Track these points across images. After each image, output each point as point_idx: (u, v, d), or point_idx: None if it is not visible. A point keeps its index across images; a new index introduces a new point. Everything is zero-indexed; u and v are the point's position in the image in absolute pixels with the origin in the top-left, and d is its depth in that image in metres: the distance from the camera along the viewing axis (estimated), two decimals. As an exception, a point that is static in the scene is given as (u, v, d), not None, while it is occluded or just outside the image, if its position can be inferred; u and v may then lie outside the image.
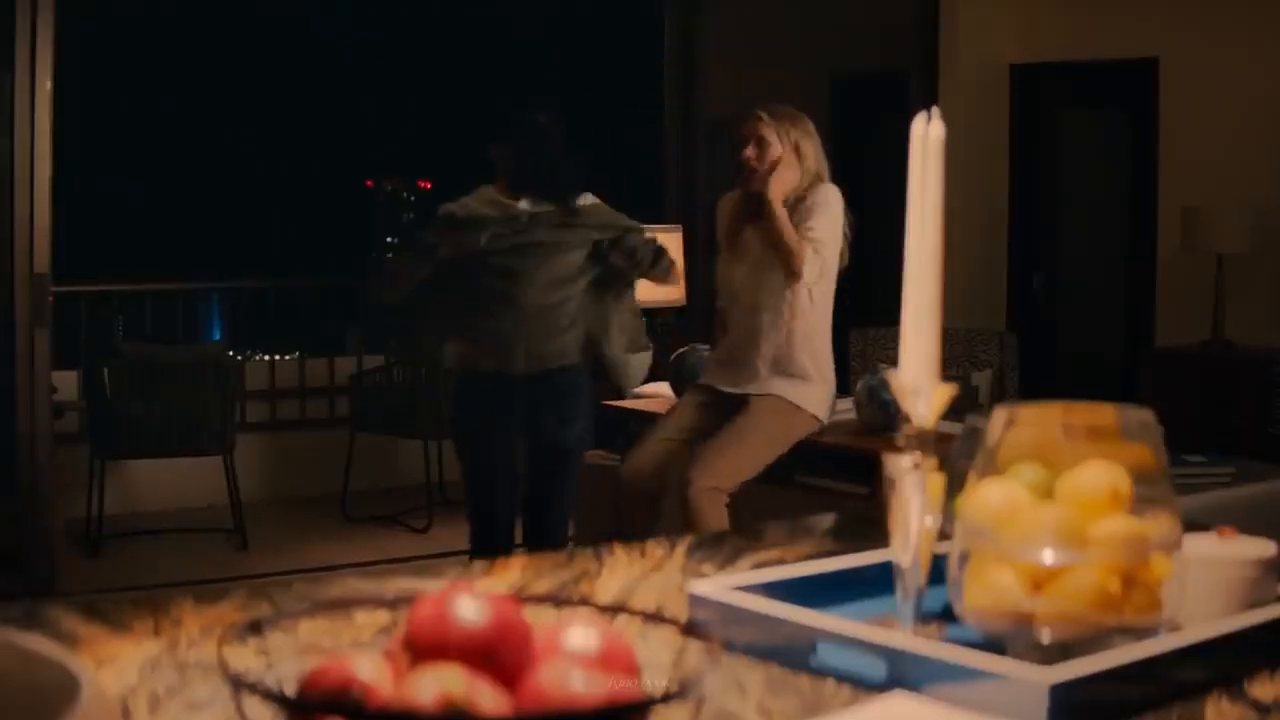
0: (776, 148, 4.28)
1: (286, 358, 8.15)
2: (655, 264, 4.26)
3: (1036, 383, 6.08)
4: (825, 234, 4.25)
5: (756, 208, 4.28)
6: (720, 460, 4.18)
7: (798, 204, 4.26)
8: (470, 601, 0.89)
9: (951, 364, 5.45)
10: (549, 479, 4.34)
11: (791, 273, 4.22)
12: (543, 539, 4.33)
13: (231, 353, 6.40)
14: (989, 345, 5.77)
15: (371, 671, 0.87)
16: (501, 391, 4.20)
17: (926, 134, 1.28)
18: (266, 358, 8.35)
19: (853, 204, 4.36)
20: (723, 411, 4.36)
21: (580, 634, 0.93)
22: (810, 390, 4.34)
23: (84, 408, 6.37)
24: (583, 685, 0.86)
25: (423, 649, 0.88)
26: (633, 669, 0.92)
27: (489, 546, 4.28)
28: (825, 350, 4.38)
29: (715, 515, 4.10)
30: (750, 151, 4.30)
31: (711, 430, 4.31)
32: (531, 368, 4.19)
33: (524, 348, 4.17)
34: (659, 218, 6.95)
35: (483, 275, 4.18)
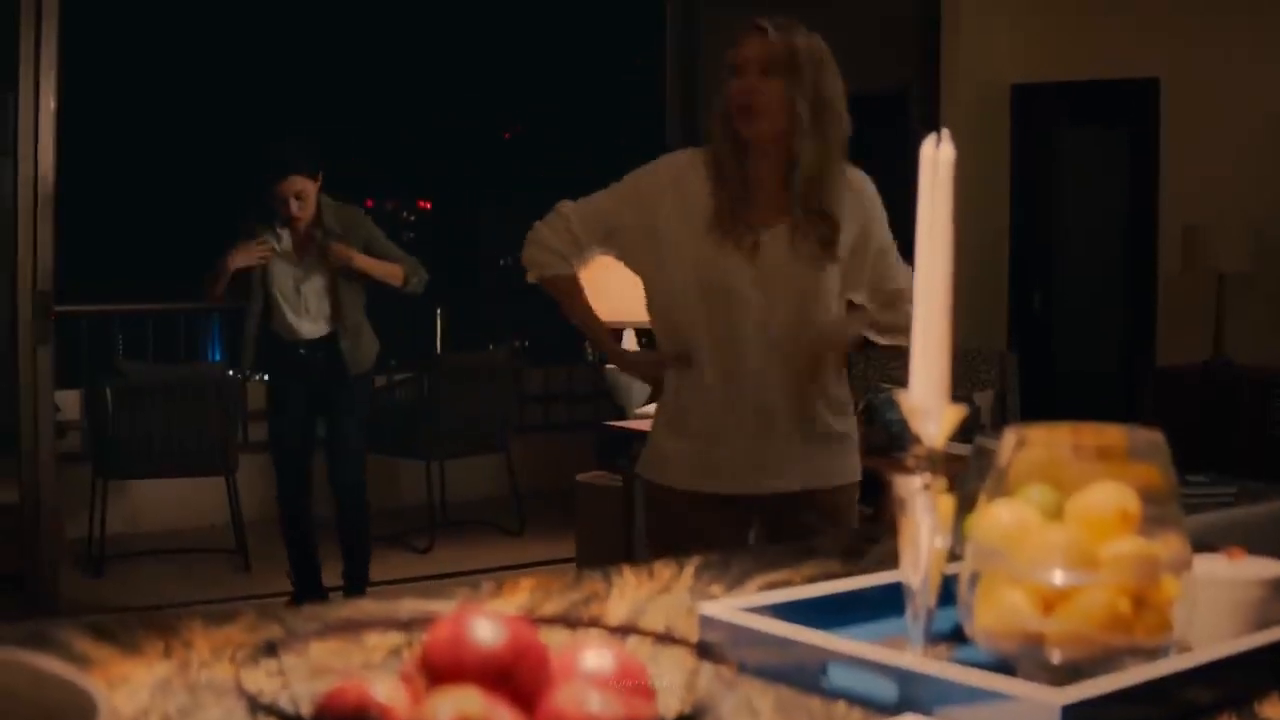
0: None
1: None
2: None
3: (1037, 403, 6.07)
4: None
5: (781, 181, 2.82)
6: None
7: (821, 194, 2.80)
8: (487, 623, 0.90)
9: (952, 384, 5.44)
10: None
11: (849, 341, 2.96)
12: None
13: (232, 373, 6.39)
14: (990, 365, 5.76)
15: (388, 693, 0.87)
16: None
17: (937, 156, 1.28)
18: (267, 378, 8.33)
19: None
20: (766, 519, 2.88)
21: (595, 655, 0.93)
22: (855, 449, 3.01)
23: (86, 427, 6.37)
24: (600, 707, 0.86)
25: (440, 671, 0.88)
26: (648, 691, 0.92)
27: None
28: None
29: None
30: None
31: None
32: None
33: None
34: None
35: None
